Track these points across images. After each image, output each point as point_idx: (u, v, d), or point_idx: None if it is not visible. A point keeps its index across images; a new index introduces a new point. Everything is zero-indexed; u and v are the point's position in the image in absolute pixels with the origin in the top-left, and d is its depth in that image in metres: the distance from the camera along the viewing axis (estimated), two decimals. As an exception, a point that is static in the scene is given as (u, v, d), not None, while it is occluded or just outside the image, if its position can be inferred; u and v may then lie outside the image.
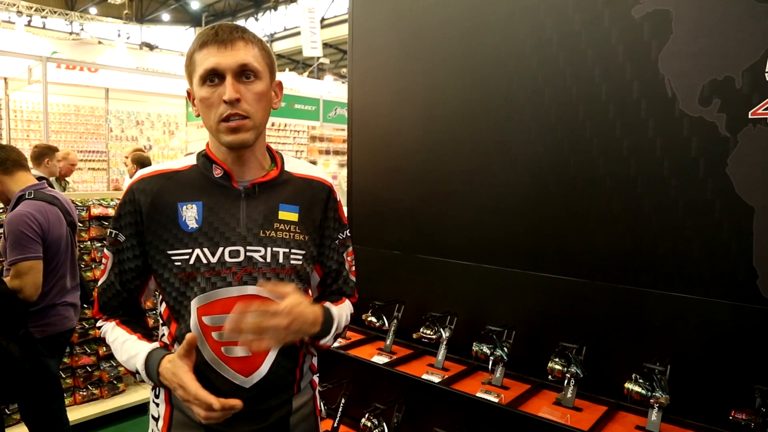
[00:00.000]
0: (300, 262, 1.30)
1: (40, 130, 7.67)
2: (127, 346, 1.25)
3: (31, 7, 20.35)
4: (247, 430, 1.26)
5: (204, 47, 1.20)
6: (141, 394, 3.90)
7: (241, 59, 1.19)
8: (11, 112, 8.09)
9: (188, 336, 1.13)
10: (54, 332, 2.71)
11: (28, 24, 19.82)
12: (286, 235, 1.28)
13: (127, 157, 5.50)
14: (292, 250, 1.28)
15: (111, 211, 3.72)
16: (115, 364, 3.80)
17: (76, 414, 3.54)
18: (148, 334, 1.30)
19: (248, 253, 1.24)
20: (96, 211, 3.66)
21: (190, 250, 1.23)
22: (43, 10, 20.93)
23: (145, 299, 1.37)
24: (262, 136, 1.31)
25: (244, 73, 1.21)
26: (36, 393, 2.69)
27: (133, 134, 9.04)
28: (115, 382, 3.83)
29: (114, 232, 1.29)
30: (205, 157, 1.30)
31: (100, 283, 1.33)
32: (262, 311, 1.09)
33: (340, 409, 2.35)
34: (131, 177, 5.11)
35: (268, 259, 1.26)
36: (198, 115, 1.27)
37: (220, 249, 1.23)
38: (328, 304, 1.34)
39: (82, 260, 3.59)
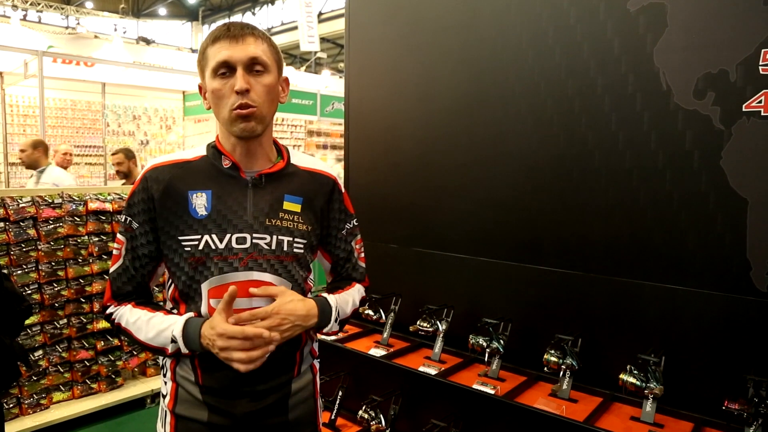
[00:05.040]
0: (302, 251, 1.36)
1: (37, 125, 7.63)
2: (155, 322, 1.29)
3: (27, 1, 20.21)
4: (246, 410, 1.30)
5: (216, 42, 1.27)
6: (139, 388, 3.90)
7: (251, 53, 1.26)
8: (7, 107, 8.03)
9: (231, 288, 1.19)
10: None
11: (24, 18, 19.65)
12: (290, 224, 1.34)
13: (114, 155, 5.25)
14: (296, 239, 1.34)
15: (108, 206, 3.72)
16: (113, 359, 3.81)
17: (74, 408, 3.55)
18: (170, 313, 1.33)
19: (254, 240, 1.30)
20: (93, 205, 3.64)
21: (199, 236, 1.29)
22: (39, 4, 20.77)
23: (153, 284, 1.42)
24: (269, 129, 1.37)
25: (253, 66, 1.27)
26: None
27: (130, 129, 8.98)
28: (114, 377, 3.83)
29: (128, 218, 1.34)
30: (214, 149, 1.36)
31: (113, 269, 1.37)
32: (252, 314, 1.20)
33: (338, 402, 2.37)
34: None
35: (273, 247, 1.31)
36: (209, 108, 1.33)
37: (228, 235, 1.29)
38: (325, 294, 1.40)
39: (80, 255, 3.59)
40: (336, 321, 1.38)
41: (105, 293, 1.39)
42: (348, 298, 1.46)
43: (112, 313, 1.36)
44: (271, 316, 1.22)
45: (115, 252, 1.37)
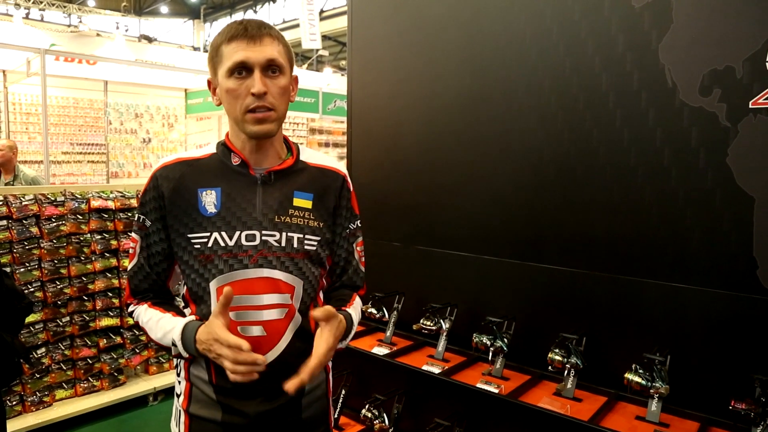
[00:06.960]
0: (314, 248, 1.35)
1: (39, 123, 7.64)
2: (162, 323, 1.30)
3: (29, 0, 20.26)
4: (260, 409, 1.30)
5: (233, 41, 1.26)
6: (142, 386, 3.90)
7: (268, 54, 1.26)
8: (10, 105, 8.04)
9: (226, 289, 1.17)
10: None
11: (26, 16, 19.66)
12: (300, 221, 1.34)
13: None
14: (306, 236, 1.34)
15: (111, 204, 3.72)
16: (116, 356, 3.81)
17: (76, 406, 3.56)
18: (181, 313, 1.35)
19: (263, 238, 1.30)
20: (95, 203, 3.64)
21: (208, 234, 1.29)
22: (41, 2, 20.79)
23: (173, 284, 1.43)
24: (281, 128, 1.37)
25: (270, 67, 1.27)
26: None
27: (132, 127, 8.97)
28: (116, 374, 3.83)
29: (141, 217, 1.36)
30: (224, 146, 1.37)
31: (130, 267, 1.39)
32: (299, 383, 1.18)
33: (341, 401, 2.36)
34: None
35: (283, 244, 1.31)
36: (219, 104, 1.34)
37: (237, 233, 1.29)
38: (349, 309, 1.40)
39: (83, 252, 3.59)
40: (348, 339, 1.38)
41: (125, 291, 1.42)
42: (356, 314, 1.45)
43: (133, 311, 1.40)
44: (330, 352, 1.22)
45: (130, 251, 1.40)
